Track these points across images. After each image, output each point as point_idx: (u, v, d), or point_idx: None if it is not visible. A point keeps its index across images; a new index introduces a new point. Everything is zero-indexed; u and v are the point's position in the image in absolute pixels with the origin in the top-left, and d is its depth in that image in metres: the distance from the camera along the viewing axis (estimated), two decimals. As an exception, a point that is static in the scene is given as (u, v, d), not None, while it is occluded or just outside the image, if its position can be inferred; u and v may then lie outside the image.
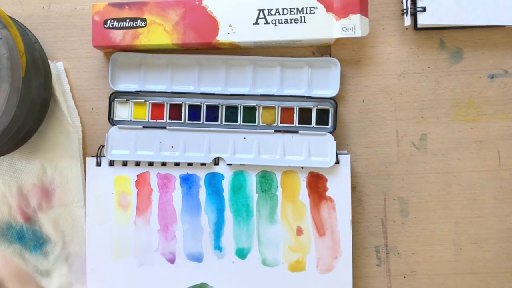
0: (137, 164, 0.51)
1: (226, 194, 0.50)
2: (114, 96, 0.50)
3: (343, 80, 0.51)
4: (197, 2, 0.47)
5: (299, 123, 0.50)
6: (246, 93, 0.50)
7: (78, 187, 0.51)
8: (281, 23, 0.47)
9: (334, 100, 0.49)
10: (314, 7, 0.47)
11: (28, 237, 0.51)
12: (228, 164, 0.50)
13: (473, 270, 0.51)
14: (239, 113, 0.50)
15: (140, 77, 0.50)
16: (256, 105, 0.50)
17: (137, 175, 0.51)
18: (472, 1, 0.48)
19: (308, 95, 0.50)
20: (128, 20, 0.48)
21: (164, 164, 0.51)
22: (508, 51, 0.50)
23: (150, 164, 0.51)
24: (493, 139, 0.51)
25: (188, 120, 0.50)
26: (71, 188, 0.51)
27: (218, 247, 0.50)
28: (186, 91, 0.50)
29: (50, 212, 0.51)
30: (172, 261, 0.51)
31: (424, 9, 0.48)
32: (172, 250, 0.51)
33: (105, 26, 0.48)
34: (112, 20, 0.48)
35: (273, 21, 0.47)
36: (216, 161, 0.50)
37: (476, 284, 0.51)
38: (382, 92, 0.51)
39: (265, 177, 0.50)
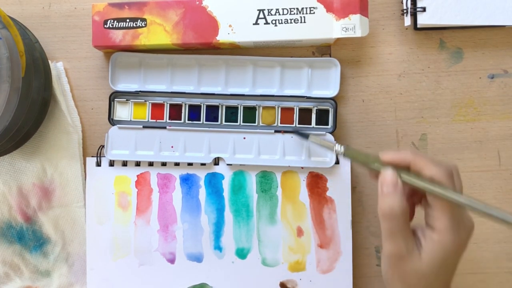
0: (137, 164, 0.51)
1: (226, 194, 0.50)
2: (114, 96, 0.50)
3: (343, 80, 0.51)
4: (197, 2, 0.47)
5: (299, 124, 0.50)
6: (246, 93, 0.50)
7: (78, 187, 0.51)
8: (281, 23, 0.47)
9: (334, 100, 0.49)
10: (314, 7, 0.47)
11: (28, 237, 0.51)
12: (228, 164, 0.50)
13: (473, 270, 0.51)
14: (239, 113, 0.50)
15: (140, 77, 0.50)
16: (256, 105, 0.50)
17: (137, 175, 0.51)
18: (472, 1, 0.48)
19: (308, 95, 0.50)
20: (128, 20, 0.48)
21: (164, 164, 0.51)
22: (508, 51, 0.50)
23: (150, 164, 0.51)
24: (493, 139, 0.51)
25: (188, 120, 0.50)
26: (71, 188, 0.51)
27: (218, 247, 0.50)
28: (186, 91, 0.50)
29: (50, 212, 0.51)
30: (172, 261, 0.51)
31: (424, 9, 0.48)
32: (172, 250, 0.51)
33: (105, 26, 0.48)
34: (112, 20, 0.48)
35: (273, 21, 0.47)
36: (216, 161, 0.50)
37: (476, 284, 0.51)
38: (382, 92, 0.51)
39: (265, 177, 0.50)
